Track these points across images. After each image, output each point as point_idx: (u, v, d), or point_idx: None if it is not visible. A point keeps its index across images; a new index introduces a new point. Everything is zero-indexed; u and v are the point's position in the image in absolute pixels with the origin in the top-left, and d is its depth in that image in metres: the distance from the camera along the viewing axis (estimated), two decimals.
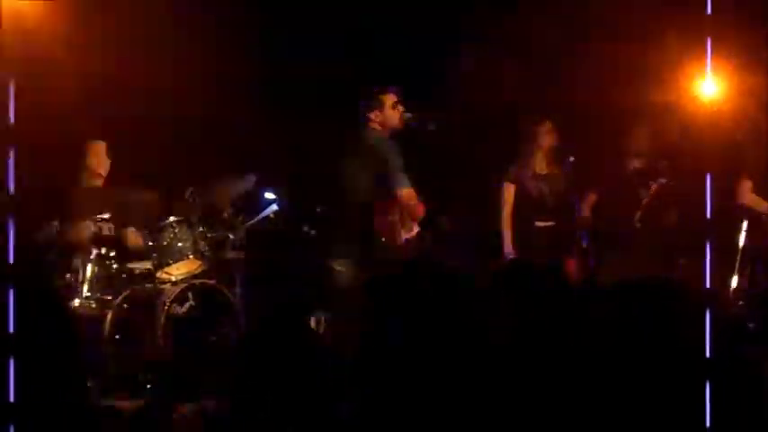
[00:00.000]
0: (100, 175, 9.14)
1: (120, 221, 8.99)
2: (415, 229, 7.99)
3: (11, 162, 4.15)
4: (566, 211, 8.77)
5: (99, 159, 9.14)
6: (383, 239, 7.84)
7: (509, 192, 8.93)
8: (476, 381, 2.84)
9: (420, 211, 7.92)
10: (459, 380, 2.76)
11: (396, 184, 7.85)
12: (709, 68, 4.83)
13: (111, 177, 9.21)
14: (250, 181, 9.23)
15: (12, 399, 2.65)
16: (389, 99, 7.93)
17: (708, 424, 3.00)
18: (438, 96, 9.46)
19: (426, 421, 2.71)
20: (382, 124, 7.91)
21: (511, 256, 8.79)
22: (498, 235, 8.96)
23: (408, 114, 7.91)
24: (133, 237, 8.98)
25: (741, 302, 8.37)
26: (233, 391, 3.33)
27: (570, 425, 3.09)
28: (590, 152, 8.99)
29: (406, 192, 7.86)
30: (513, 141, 9.04)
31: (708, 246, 4.22)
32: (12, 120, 4.77)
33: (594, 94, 9.04)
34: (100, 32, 9.32)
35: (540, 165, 8.88)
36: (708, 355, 2.99)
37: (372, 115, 7.90)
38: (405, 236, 7.92)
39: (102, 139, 9.16)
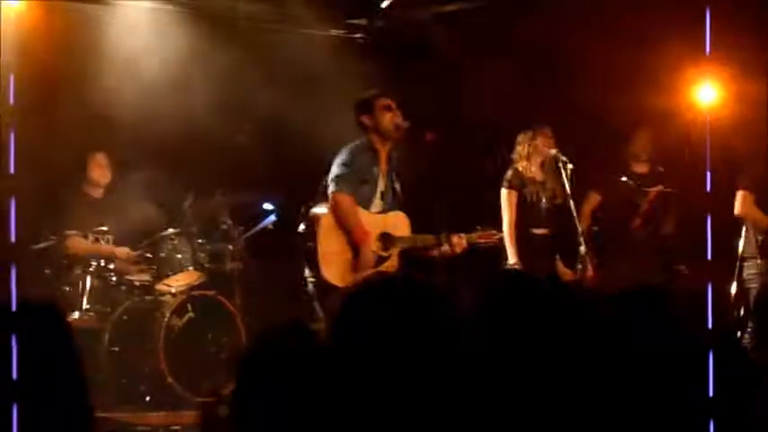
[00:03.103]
0: (100, 186, 9.15)
1: (119, 234, 8.99)
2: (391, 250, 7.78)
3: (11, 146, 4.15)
4: (564, 219, 8.72)
5: (101, 171, 9.15)
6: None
7: (511, 198, 8.78)
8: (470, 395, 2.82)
9: (353, 227, 7.60)
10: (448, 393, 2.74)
11: (329, 189, 7.67)
12: (707, 75, 4.84)
13: (111, 188, 9.22)
14: (269, 220, 9.29)
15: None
16: (380, 103, 7.79)
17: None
18: (436, 105, 9.47)
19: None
20: (375, 129, 7.79)
21: (516, 267, 8.69)
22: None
23: (400, 120, 7.73)
24: (124, 256, 8.97)
25: (741, 309, 8.35)
26: (233, 402, 3.31)
27: None
28: (588, 159, 8.96)
29: (333, 197, 7.63)
30: (510, 149, 8.99)
31: (708, 252, 4.21)
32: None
33: (593, 100, 9.02)
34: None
35: (538, 171, 8.82)
36: (710, 369, 2.97)
37: (365, 119, 7.81)
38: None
39: (104, 151, 9.17)
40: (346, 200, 7.61)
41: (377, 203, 7.78)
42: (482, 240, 7.95)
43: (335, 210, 7.61)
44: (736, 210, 8.43)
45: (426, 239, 7.68)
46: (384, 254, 7.67)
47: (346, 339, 2.73)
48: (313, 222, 7.60)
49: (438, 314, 2.75)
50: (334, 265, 7.57)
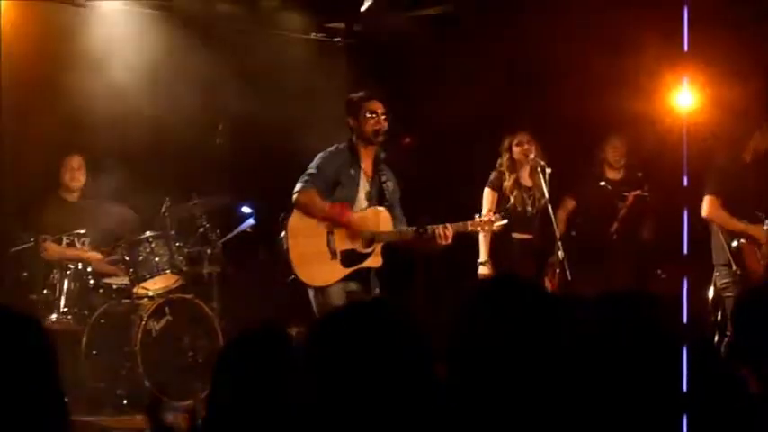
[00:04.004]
0: (74, 190, 9.12)
1: (95, 237, 8.98)
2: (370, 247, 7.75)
3: None
4: (543, 224, 8.75)
5: (73, 174, 9.11)
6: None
7: (491, 198, 8.81)
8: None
9: (337, 214, 7.59)
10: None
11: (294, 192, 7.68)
12: (685, 80, 4.86)
13: (88, 191, 9.19)
14: (248, 223, 9.29)
15: None
16: (366, 108, 7.79)
17: None
18: (419, 111, 9.47)
19: None
20: (357, 132, 7.80)
21: (484, 265, 8.71)
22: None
23: (382, 127, 7.71)
24: (95, 261, 8.97)
25: (718, 313, 8.38)
26: (210, 407, 3.30)
27: None
28: (567, 163, 8.99)
29: (295, 198, 7.64)
30: (493, 154, 9.02)
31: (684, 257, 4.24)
32: None
33: (571, 105, 9.04)
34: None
35: (524, 177, 8.87)
36: (685, 370, 2.99)
37: (349, 120, 7.82)
38: (340, 247, 7.67)
39: (79, 154, 9.14)
40: (306, 193, 7.61)
41: (362, 204, 7.78)
42: (477, 228, 7.88)
43: (300, 208, 7.63)
44: (703, 213, 8.45)
45: (407, 233, 7.66)
46: (366, 251, 7.67)
47: (327, 348, 2.72)
48: (284, 228, 7.62)
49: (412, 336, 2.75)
50: (309, 265, 7.59)
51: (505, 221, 7.98)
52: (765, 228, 8.41)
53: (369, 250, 7.70)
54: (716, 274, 8.48)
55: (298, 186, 7.64)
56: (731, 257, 8.38)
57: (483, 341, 3.07)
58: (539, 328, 3.07)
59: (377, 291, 7.73)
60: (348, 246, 7.67)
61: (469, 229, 7.78)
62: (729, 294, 8.35)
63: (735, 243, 8.39)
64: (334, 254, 7.63)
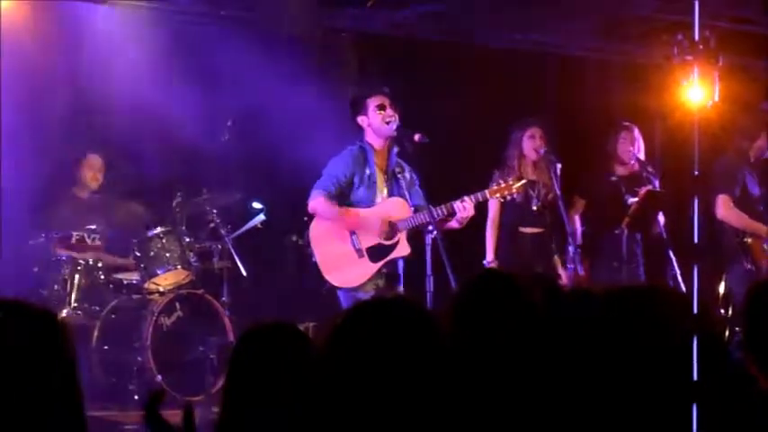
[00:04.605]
0: (92, 188, 9.18)
1: (107, 232, 8.99)
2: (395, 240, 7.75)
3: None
4: (553, 219, 8.73)
5: (95, 174, 9.17)
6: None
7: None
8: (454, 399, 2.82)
9: (350, 222, 7.66)
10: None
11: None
12: (696, 74, 4.84)
13: (100, 188, 9.23)
14: (258, 219, 9.30)
15: None
16: (373, 103, 7.78)
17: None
18: (428, 104, 9.46)
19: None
20: (369, 128, 7.78)
21: (491, 265, 8.68)
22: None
23: (394, 118, 7.68)
24: (110, 259, 9.02)
25: (729, 309, 8.38)
26: (225, 401, 3.31)
27: None
28: (577, 158, 8.97)
29: (309, 205, 7.74)
30: (501, 148, 9.00)
31: (696, 252, 4.23)
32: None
33: (581, 99, 9.03)
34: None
35: (528, 171, 8.83)
36: (695, 366, 2.98)
37: (360, 120, 7.80)
38: (365, 244, 7.68)
39: (98, 153, 9.19)
40: (319, 200, 7.67)
41: (381, 200, 7.80)
42: (496, 195, 7.85)
43: (316, 212, 7.71)
44: (718, 213, 8.47)
45: (422, 216, 7.62)
46: (390, 242, 7.68)
47: (344, 348, 2.72)
48: (307, 239, 7.69)
49: (428, 333, 2.75)
50: (339, 268, 7.62)
51: (524, 181, 8.00)
52: None
53: (393, 241, 7.70)
54: (727, 270, 8.50)
55: (312, 194, 7.67)
56: (742, 254, 8.40)
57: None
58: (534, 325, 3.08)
59: (400, 288, 7.74)
60: (373, 242, 7.68)
61: (488, 196, 7.77)
62: (740, 291, 8.37)
63: (745, 240, 8.40)
64: (360, 252, 7.64)
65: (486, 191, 7.73)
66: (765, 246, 8.43)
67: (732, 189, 8.48)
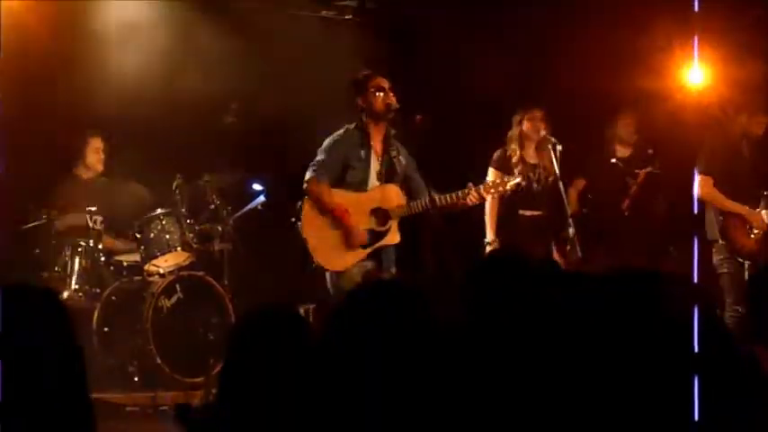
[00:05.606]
0: (96, 170, 9.19)
1: (109, 213, 8.99)
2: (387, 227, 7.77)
3: None
4: (553, 201, 8.71)
5: (99, 156, 9.18)
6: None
7: (495, 177, 8.73)
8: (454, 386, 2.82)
9: (335, 209, 7.63)
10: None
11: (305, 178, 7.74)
12: (696, 56, 4.84)
13: (105, 170, 9.25)
14: (258, 200, 9.29)
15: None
16: (373, 84, 7.77)
17: (696, 417, 2.99)
18: (427, 86, 9.45)
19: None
20: (367, 110, 7.78)
21: (491, 245, 8.68)
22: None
23: (392, 101, 7.69)
24: (110, 242, 9.02)
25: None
26: (221, 385, 3.31)
27: (558, 423, 3.08)
28: (577, 140, 8.95)
29: (305, 184, 7.72)
30: (501, 130, 8.98)
31: (695, 235, 4.24)
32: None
33: (582, 81, 9.02)
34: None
35: (529, 153, 8.81)
36: (696, 347, 2.98)
37: (357, 100, 7.80)
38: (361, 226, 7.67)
39: (101, 135, 9.19)
40: (315, 183, 7.65)
41: (373, 184, 7.78)
42: (490, 191, 7.89)
43: (310, 196, 7.67)
44: (697, 193, 8.49)
45: (418, 205, 7.66)
46: (382, 228, 7.68)
47: (341, 334, 2.73)
48: (299, 217, 7.67)
49: (423, 317, 2.75)
50: (327, 250, 7.61)
51: (517, 180, 8.03)
52: (759, 210, 8.45)
53: (385, 228, 7.71)
54: (713, 250, 8.53)
55: (307, 176, 7.67)
56: (719, 233, 8.44)
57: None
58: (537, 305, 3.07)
59: (392, 270, 7.75)
60: (363, 227, 7.68)
61: (484, 195, 7.80)
62: (724, 270, 8.43)
63: (721, 218, 8.44)
64: (349, 237, 7.65)
65: (482, 188, 7.76)
66: (748, 227, 8.46)
67: (713, 169, 8.49)
